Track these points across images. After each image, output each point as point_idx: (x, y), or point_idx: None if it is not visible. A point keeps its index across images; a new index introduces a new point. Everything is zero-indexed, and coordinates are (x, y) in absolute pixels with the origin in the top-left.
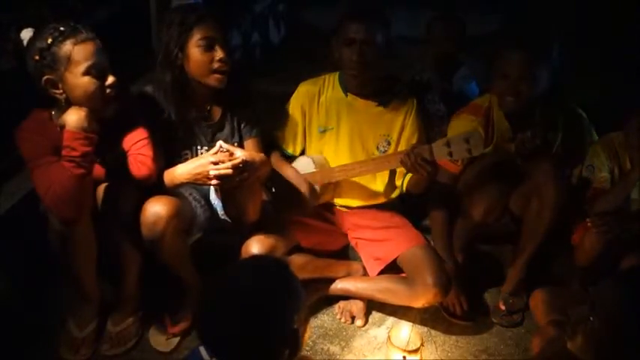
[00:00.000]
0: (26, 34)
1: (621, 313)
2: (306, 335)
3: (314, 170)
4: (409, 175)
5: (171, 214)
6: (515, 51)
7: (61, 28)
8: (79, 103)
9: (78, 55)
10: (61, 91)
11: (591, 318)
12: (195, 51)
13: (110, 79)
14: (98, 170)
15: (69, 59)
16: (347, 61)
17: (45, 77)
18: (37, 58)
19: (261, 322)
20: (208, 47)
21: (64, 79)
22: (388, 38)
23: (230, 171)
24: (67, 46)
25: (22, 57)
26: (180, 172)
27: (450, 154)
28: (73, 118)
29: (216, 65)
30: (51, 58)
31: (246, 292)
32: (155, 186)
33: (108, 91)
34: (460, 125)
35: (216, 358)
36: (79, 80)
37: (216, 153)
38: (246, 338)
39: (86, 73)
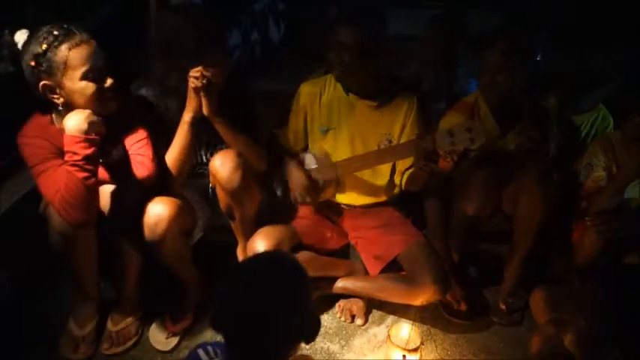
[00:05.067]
0: (20, 37)
1: (603, 310)
2: None
3: (316, 166)
4: (407, 173)
5: (173, 215)
6: (494, 41)
7: (55, 32)
8: (78, 107)
9: (74, 59)
10: (59, 96)
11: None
12: None
13: (108, 82)
14: (99, 171)
15: (65, 64)
16: (333, 64)
17: (42, 83)
18: (32, 64)
19: (285, 312)
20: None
21: (61, 84)
22: (379, 38)
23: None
24: (63, 52)
25: (17, 60)
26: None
27: (453, 144)
28: (72, 121)
29: None
30: (47, 64)
31: (268, 283)
32: (157, 187)
33: (107, 93)
34: (448, 123)
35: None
36: (77, 85)
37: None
38: (269, 331)
39: (83, 77)
